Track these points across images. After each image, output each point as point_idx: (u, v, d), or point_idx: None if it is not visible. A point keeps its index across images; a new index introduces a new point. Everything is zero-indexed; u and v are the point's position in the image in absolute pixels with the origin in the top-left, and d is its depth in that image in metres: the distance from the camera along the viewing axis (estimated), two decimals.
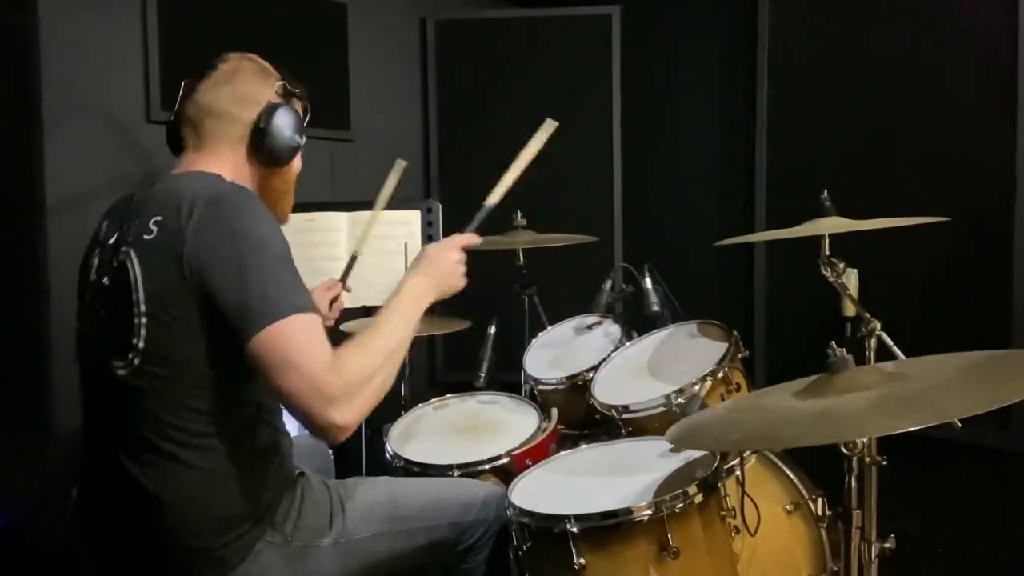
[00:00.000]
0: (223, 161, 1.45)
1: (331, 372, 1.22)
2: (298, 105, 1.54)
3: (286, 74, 1.54)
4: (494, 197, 1.79)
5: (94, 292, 1.38)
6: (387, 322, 1.39)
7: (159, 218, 1.31)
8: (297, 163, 1.57)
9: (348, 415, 1.23)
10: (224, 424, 1.33)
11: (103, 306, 1.35)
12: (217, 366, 1.30)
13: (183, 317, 1.27)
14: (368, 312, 2.59)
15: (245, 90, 1.46)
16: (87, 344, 1.41)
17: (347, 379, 1.24)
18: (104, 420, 1.37)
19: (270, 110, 1.46)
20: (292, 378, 1.21)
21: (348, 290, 2.00)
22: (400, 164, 2.15)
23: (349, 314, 2.57)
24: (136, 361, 1.29)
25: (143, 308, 1.28)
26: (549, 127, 1.86)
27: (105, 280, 1.34)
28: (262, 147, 1.46)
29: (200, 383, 1.30)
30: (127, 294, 1.29)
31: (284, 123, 1.46)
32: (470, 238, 1.64)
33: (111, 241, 1.37)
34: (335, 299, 1.97)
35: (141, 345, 1.28)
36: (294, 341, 1.22)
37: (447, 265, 1.55)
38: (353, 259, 2.07)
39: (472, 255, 1.59)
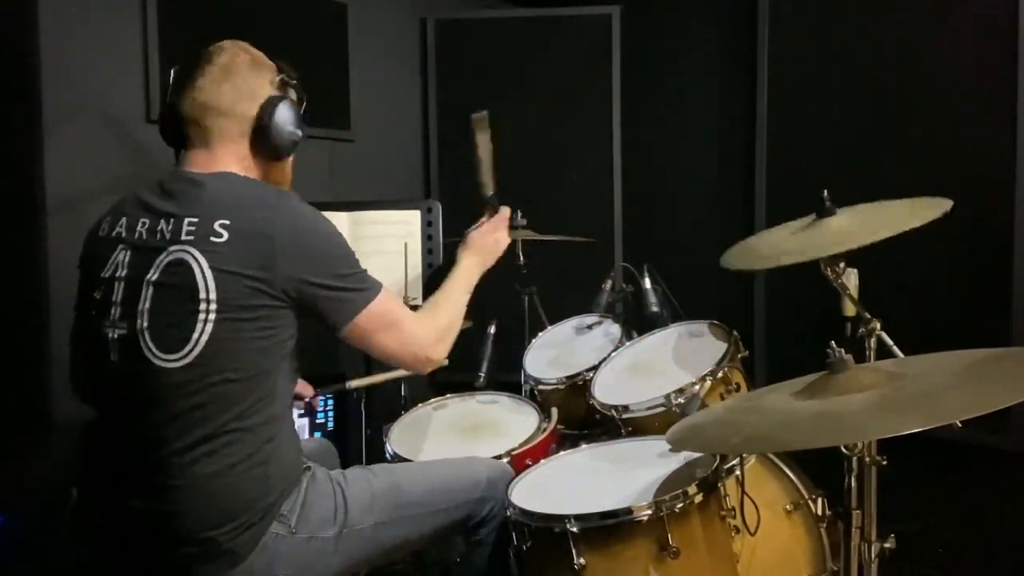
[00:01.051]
0: (230, 156, 1.47)
1: (423, 324, 1.56)
2: (294, 94, 1.56)
3: (279, 61, 1.55)
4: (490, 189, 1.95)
5: (125, 286, 1.38)
6: (453, 291, 1.70)
7: (225, 221, 1.35)
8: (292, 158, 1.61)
9: (443, 350, 1.59)
10: (246, 420, 1.36)
11: (151, 299, 1.35)
12: (264, 361, 1.37)
13: (252, 320, 1.34)
14: None
15: (245, 86, 1.47)
16: (102, 337, 1.39)
17: (436, 327, 1.58)
18: (119, 417, 1.38)
19: (271, 105, 1.48)
20: (399, 337, 1.50)
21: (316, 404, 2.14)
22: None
23: None
24: (193, 354, 1.32)
25: (212, 307, 1.32)
26: (480, 121, 1.92)
27: (152, 276, 1.35)
28: (265, 142, 1.49)
29: (240, 381, 1.34)
30: (191, 290, 1.32)
31: (285, 118, 1.50)
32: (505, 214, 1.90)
33: (145, 239, 1.38)
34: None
35: (203, 339, 1.32)
36: (389, 310, 1.49)
37: (500, 244, 1.85)
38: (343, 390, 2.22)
39: None
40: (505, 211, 1.90)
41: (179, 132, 1.48)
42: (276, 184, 1.57)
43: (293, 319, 1.41)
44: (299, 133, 1.53)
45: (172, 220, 1.37)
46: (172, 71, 1.51)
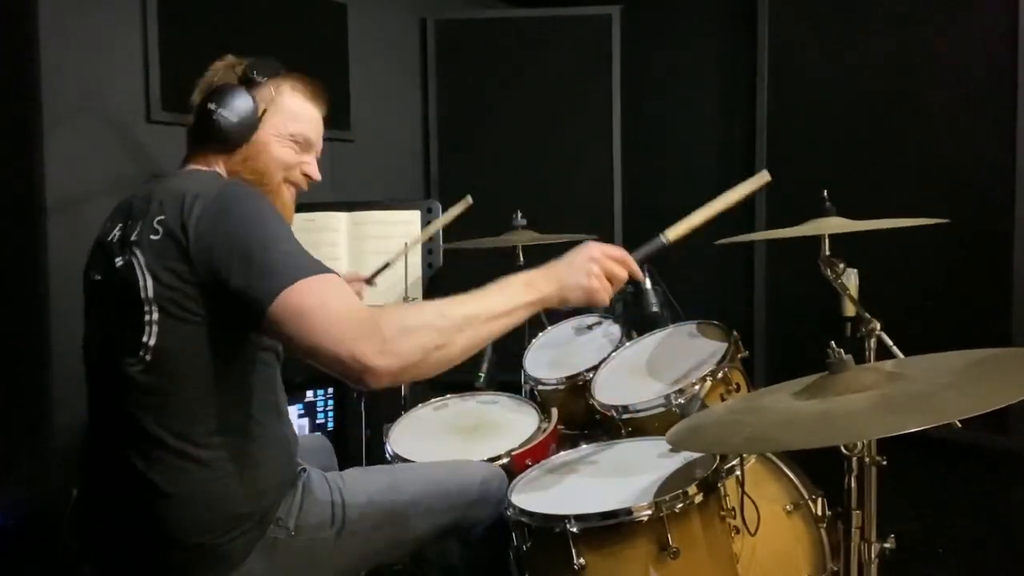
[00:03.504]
0: (215, 158, 1.47)
1: (362, 310, 1.19)
2: (269, 88, 1.48)
3: (260, 59, 1.49)
4: (675, 232, 1.64)
5: (101, 290, 1.39)
6: (480, 293, 1.32)
7: (162, 217, 1.32)
8: (270, 153, 1.49)
9: (383, 359, 1.16)
10: (232, 422, 1.34)
11: (112, 304, 1.36)
12: (226, 363, 1.32)
13: (193, 313, 1.28)
14: None
15: (212, 80, 1.48)
16: (95, 342, 1.41)
17: (386, 319, 1.20)
18: (112, 418, 1.38)
19: (213, 91, 1.44)
20: (315, 324, 1.17)
21: (373, 284, 1.96)
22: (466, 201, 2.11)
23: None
24: (148, 358, 1.29)
25: (153, 306, 1.29)
26: (760, 179, 1.63)
27: (113, 278, 1.35)
28: (209, 131, 1.43)
29: (209, 380, 1.31)
30: (135, 292, 1.30)
31: (229, 104, 1.42)
32: (633, 266, 1.49)
33: (115, 239, 1.38)
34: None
35: (152, 343, 1.29)
36: (311, 293, 1.20)
37: (581, 265, 1.41)
38: (386, 265, 2.06)
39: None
40: (636, 269, 1.50)
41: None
42: (255, 182, 1.47)
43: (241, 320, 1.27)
44: (243, 120, 1.43)
45: (129, 222, 1.36)
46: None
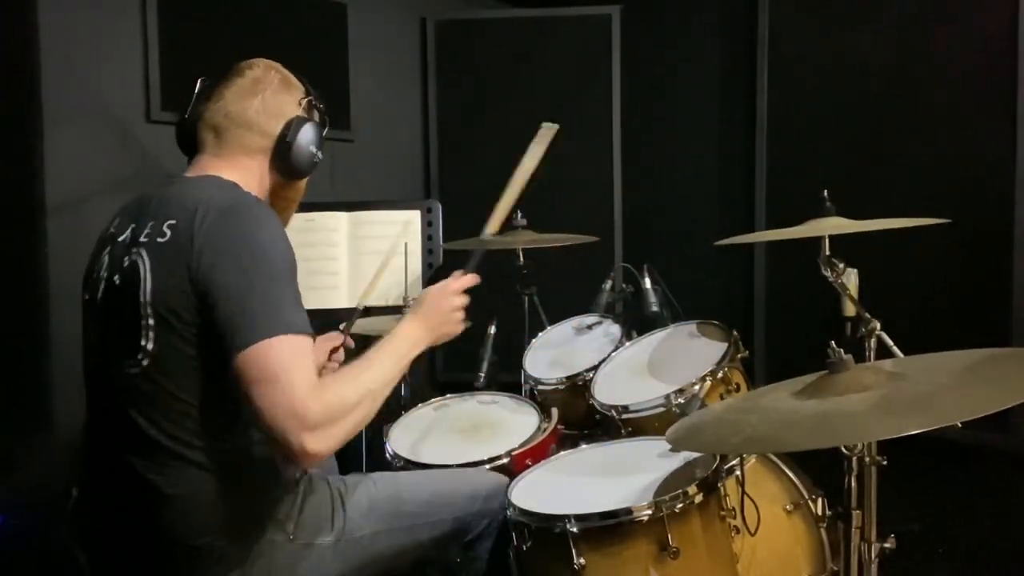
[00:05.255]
0: (242, 169, 1.45)
1: (312, 396, 1.20)
2: (318, 116, 1.57)
3: (308, 84, 1.56)
4: (491, 226, 1.72)
5: (103, 290, 1.38)
6: (377, 360, 1.38)
7: (173, 222, 1.32)
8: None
9: (321, 443, 1.20)
10: (229, 425, 1.34)
11: (113, 305, 1.35)
12: (223, 368, 1.29)
13: (189, 322, 1.28)
14: (367, 312, 2.59)
15: (274, 103, 1.48)
16: (94, 342, 1.41)
17: (327, 406, 1.22)
18: (111, 419, 1.37)
19: (296, 125, 1.48)
20: (271, 395, 1.18)
21: (350, 345, 1.96)
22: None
23: (348, 314, 2.57)
24: (145, 362, 1.29)
25: (150, 310, 1.28)
26: (547, 133, 1.73)
27: (116, 279, 1.34)
28: (285, 160, 1.48)
29: (206, 385, 1.30)
30: (136, 294, 1.29)
31: (308, 138, 1.50)
32: (470, 279, 1.61)
33: (122, 240, 1.37)
34: (335, 349, 1.91)
35: (150, 347, 1.29)
36: (279, 360, 1.20)
37: (444, 311, 1.53)
38: (357, 311, 2.04)
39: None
40: (472, 278, 1.60)
41: (195, 140, 1.48)
42: (286, 202, 1.57)
43: None
44: (319, 155, 1.53)
45: (141, 222, 1.36)
46: (199, 82, 1.51)
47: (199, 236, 1.28)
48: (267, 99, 1.47)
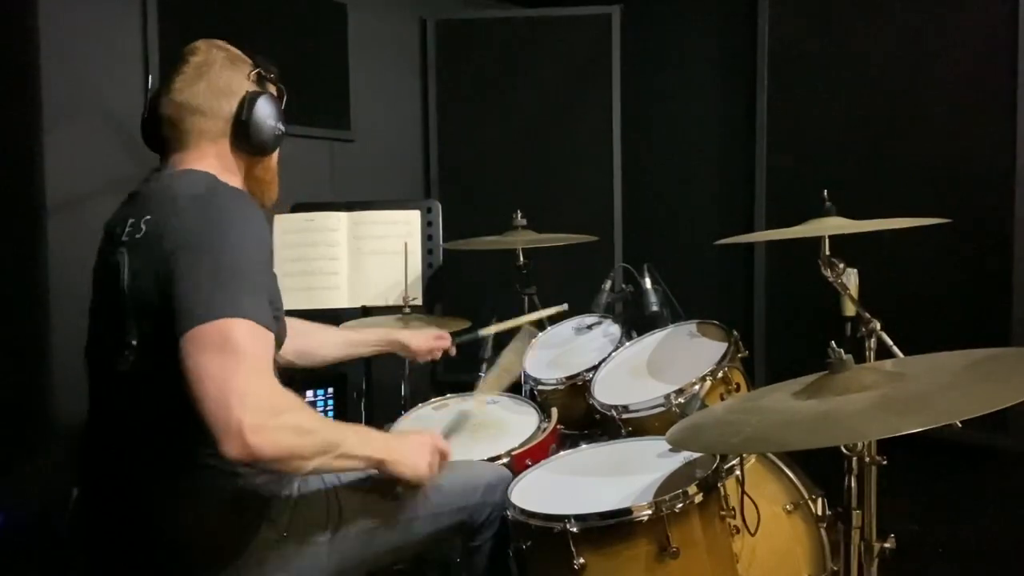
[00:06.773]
0: (211, 157, 1.44)
1: (267, 384, 1.17)
2: (273, 88, 1.52)
3: (257, 56, 1.51)
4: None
5: (97, 289, 1.40)
6: (347, 424, 1.37)
7: (149, 217, 1.32)
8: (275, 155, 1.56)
9: (259, 435, 1.13)
10: (200, 438, 1.31)
11: (104, 303, 1.36)
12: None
13: (163, 316, 1.25)
14: (367, 312, 2.59)
15: (220, 82, 1.44)
16: (94, 338, 1.41)
17: (279, 400, 1.19)
18: (107, 415, 1.38)
19: (250, 101, 1.44)
20: (230, 365, 1.14)
21: (452, 352, 2.05)
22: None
23: (348, 314, 2.58)
24: (132, 359, 1.29)
25: (130, 304, 1.29)
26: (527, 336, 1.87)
27: (105, 277, 1.35)
28: (246, 138, 1.45)
29: (175, 411, 1.26)
30: (119, 292, 1.30)
31: (265, 112, 1.45)
32: (447, 448, 1.57)
33: (113, 237, 1.38)
34: (439, 340, 2.03)
35: (134, 342, 1.29)
36: (241, 337, 1.17)
37: (420, 451, 1.48)
38: (478, 335, 2.16)
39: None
40: (448, 448, 1.56)
41: (159, 136, 1.46)
42: (261, 183, 1.53)
43: None
44: (281, 128, 1.49)
45: (125, 219, 1.36)
46: (149, 79, 1.50)
47: (168, 229, 1.28)
48: (212, 80, 1.43)
